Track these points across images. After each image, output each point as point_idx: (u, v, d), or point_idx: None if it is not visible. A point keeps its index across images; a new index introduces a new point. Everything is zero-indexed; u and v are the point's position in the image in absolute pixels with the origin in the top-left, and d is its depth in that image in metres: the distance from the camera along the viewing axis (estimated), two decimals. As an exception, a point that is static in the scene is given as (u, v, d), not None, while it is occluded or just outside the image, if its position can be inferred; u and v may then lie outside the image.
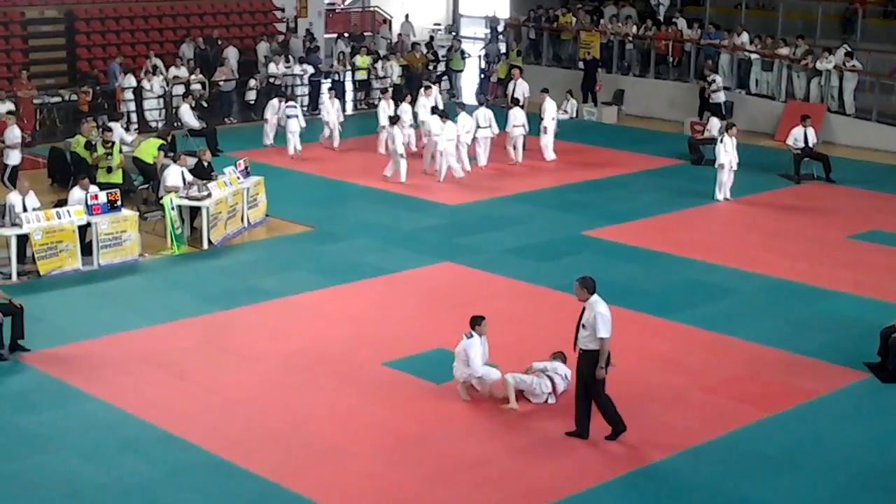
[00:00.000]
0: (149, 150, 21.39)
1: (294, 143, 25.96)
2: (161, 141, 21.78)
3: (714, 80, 28.49)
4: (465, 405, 13.17)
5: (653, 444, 12.28)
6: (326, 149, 26.84)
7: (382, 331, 15.38)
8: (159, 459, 11.83)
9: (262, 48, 32.58)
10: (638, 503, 11.16)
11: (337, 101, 27.55)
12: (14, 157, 22.17)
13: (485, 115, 25.15)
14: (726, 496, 11.27)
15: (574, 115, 30.98)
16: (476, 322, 13.27)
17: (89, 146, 21.23)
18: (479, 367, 13.14)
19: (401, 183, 23.09)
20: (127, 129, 23.38)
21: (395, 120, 24.32)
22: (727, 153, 22.31)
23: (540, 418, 12.82)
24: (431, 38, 38.49)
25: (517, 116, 25.33)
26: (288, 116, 26.16)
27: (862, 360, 14.45)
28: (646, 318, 16.06)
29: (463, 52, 35.24)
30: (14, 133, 22.25)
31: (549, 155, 25.75)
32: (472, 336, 13.16)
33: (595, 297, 12.25)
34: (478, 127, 24.88)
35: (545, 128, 25.70)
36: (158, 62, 29.31)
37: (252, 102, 30.32)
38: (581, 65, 32.80)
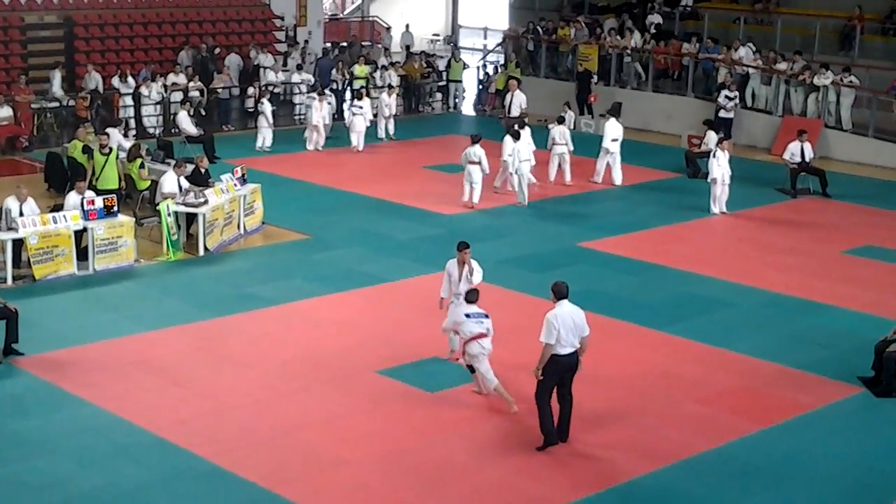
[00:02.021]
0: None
1: (359, 140, 27.46)
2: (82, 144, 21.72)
3: (735, 97, 28.61)
4: (459, 414, 13.16)
5: (647, 455, 12.28)
6: (314, 153, 27.01)
7: (377, 339, 15.39)
8: (153, 465, 11.81)
9: (263, 59, 32.55)
10: (631, 514, 11.17)
11: (326, 105, 27.82)
12: None
13: (561, 132, 24.51)
14: (720, 508, 11.28)
15: (571, 126, 30.93)
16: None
17: (87, 150, 21.23)
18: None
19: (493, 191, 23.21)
20: (125, 136, 23.36)
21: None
22: (720, 167, 22.36)
23: (534, 427, 12.80)
24: (427, 51, 38.54)
25: (563, 134, 24.66)
26: (353, 114, 27.49)
27: (856, 375, 14.46)
28: (641, 329, 16.07)
29: (464, 63, 35.30)
30: None
31: (617, 176, 24.84)
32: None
33: (561, 302, 12.27)
34: (554, 144, 24.49)
35: (606, 149, 24.74)
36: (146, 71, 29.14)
37: (251, 110, 30.36)
38: (574, 76, 32.81)
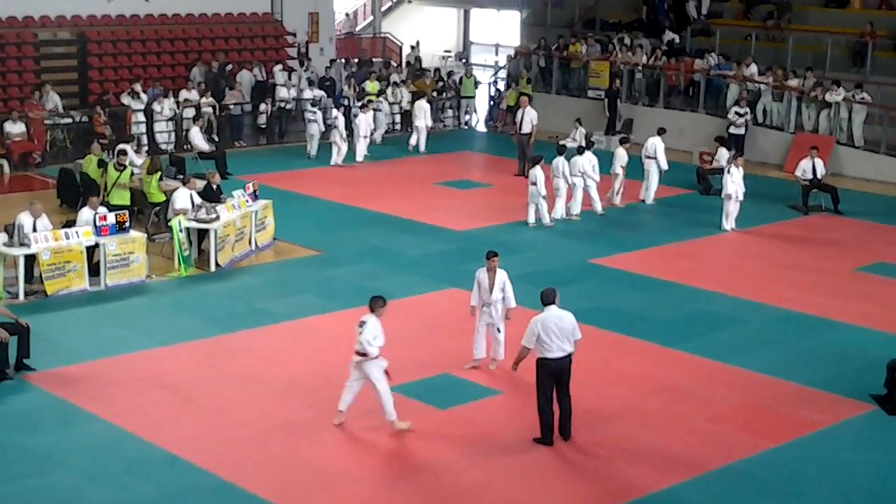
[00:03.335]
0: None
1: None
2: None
3: (746, 113, 28.62)
4: (471, 430, 13.15)
5: (657, 472, 12.26)
6: (332, 168, 27.11)
7: (388, 355, 15.26)
8: (164, 481, 11.83)
9: (280, 76, 32.65)
10: (641, 532, 11.14)
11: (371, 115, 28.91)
12: None
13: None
14: (730, 527, 11.26)
15: (583, 143, 30.99)
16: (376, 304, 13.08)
17: (102, 164, 21.34)
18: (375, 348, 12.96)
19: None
20: (137, 151, 23.44)
21: None
22: (734, 183, 22.34)
23: (543, 446, 12.79)
24: (418, 60, 38.64)
25: (621, 157, 24.47)
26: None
27: (868, 392, 14.41)
28: (652, 346, 16.05)
29: (475, 80, 35.36)
30: None
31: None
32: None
33: (547, 308, 12.73)
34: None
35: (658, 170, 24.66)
36: (137, 86, 29.15)
37: (263, 126, 30.44)
38: (602, 94, 32.47)
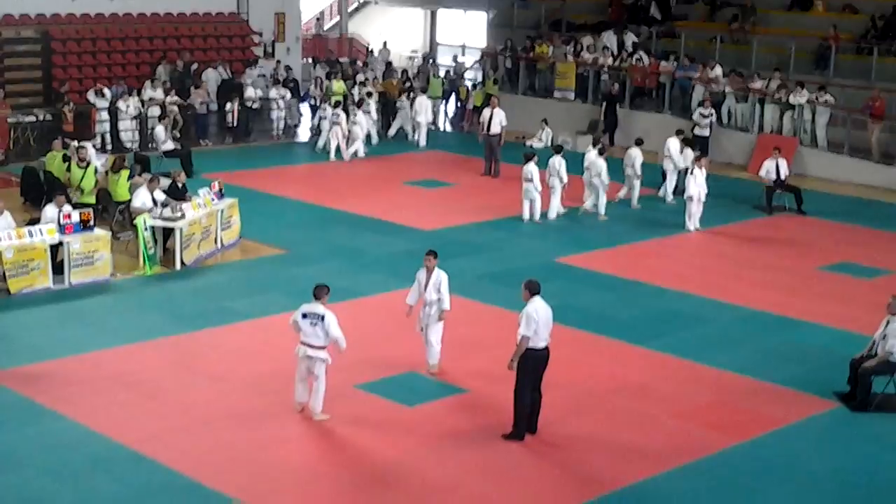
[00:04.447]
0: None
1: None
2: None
3: (711, 114, 28.77)
4: (439, 428, 13.15)
5: (623, 469, 12.30)
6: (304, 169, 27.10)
7: (354, 353, 15.28)
8: (129, 479, 11.75)
9: (250, 72, 32.58)
10: (608, 528, 11.18)
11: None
12: None
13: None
14: (696, 522, 11.31)
15: (549, 143, 31.09)
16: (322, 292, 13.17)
17: (66, 160, 21.19)
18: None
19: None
20: (103, 150, 23.29)
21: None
22: (697, 185, 22.46)
23: (510, 443, 12.80)
24: (388, 63, 38.70)
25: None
26: (354, 124, 28.93)
27: (832, 390, 14.53)
28: (618, 344, 16.12)
29: (443, 81, 35.38)
30: None
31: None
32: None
33: (535, 298, 12.71)
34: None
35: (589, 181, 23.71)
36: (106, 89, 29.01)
37: (232, 126, 30.29)
38: (600, 97, 32.24)
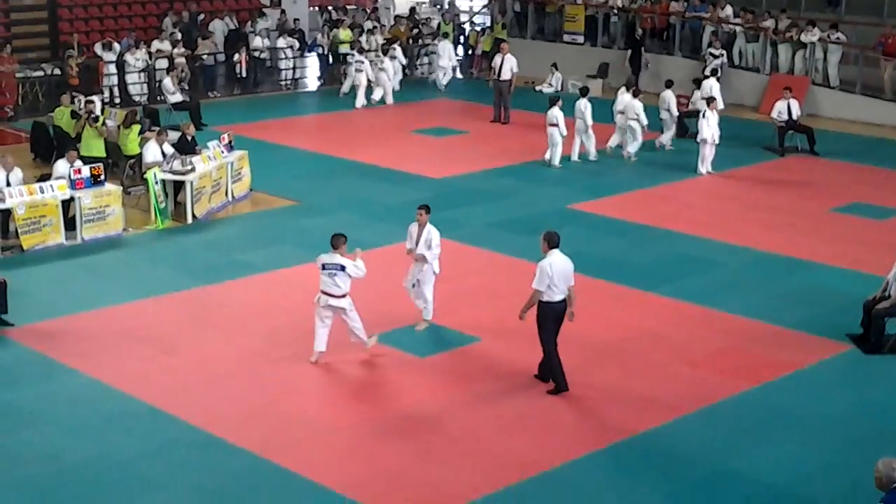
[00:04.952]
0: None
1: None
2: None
3: (722, 55, 28.51)
4: (452, 378, 13.20)
5: (638, 415, 12.34)
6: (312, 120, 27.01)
7: (367, 305, 15.30)
8: (145, 434, 11.83)
9: (262, 22, 32.43)
10: (623, 474, 11.22)
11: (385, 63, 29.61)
12: None
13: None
14: (711, 466, 11.35)
15: (560, 88, 30.95)
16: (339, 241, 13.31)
17: (75, 116, 21.15)
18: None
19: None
20: (111, 104, 23.22)
21: None
22: (709, 127, 22.33)
23: (524, 390, 12.86)
24: (412, 9, 38.43)
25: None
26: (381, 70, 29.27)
27: (845, 332, 14.52)
28: (630, 291, 16.12)
29: (453, 26, 35.07)
30: None
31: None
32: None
33: (553, 251, 12.61)
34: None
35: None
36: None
37: (242, 76, 30.13)
38: (624, 43, 31.80)
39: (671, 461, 11.46)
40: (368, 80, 28.98)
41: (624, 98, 23.78)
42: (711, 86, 24.83)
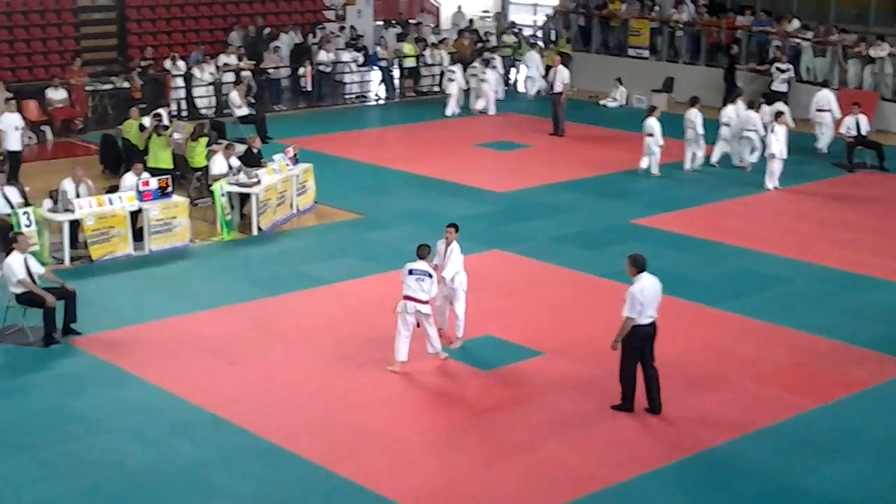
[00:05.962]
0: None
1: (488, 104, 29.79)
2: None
3: (789, 69, 28.21)
4: (514, 391, 13.15)
5: (704, 432, 12.21)
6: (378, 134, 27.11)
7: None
8: (209, 442, 11.92)
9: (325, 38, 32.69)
10: (689, 491, 11.10)
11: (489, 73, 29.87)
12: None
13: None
14: (778, 483, 11.20)
15: (624, 102, 30.83)
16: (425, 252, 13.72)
17: (143, 129, 21.43)
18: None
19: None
20: (178, 117, 23.47)
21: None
22: (778, 142, 22.09)
23: (587, 405, 12.77)
24: (471, 21, 38.69)
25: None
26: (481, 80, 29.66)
27: (916, 351, 14.29)
28: (696, 306, 15.95)
29: (521, 40, 34.94)
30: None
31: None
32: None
33: (641, 275, 12.35)
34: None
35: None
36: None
37: (307, 90, 30.34)
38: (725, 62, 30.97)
39: (737, 478, 11.31)
40: (462, 90, 29.66)
41: (735, 111, 23.88)
42: (829, 98, 25.00)
